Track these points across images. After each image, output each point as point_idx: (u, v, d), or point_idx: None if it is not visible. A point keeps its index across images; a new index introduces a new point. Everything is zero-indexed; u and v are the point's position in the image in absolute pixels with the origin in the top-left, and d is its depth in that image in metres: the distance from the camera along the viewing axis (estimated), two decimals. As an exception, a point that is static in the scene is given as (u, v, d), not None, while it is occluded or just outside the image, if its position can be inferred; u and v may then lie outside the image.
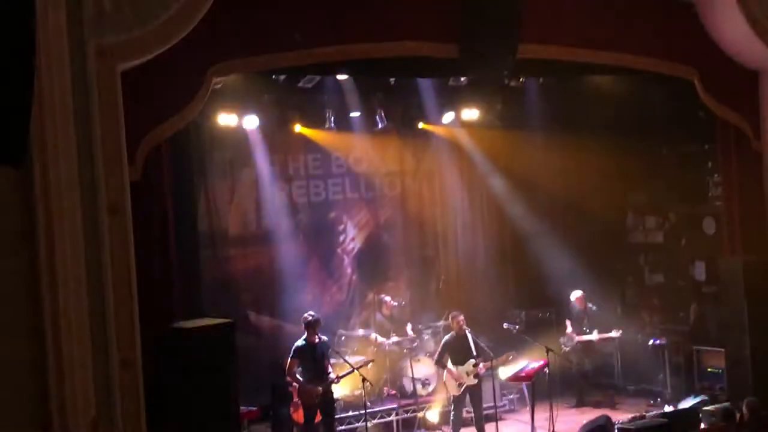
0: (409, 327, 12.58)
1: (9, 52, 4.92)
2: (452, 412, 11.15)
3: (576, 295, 12.94)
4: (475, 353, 10.92)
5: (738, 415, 9.50)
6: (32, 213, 7.33)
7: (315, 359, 10.29)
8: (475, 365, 10.90)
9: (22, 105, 5.08)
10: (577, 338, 12.68)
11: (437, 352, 11.33)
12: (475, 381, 10.97)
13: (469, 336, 10.97)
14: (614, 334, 12.66)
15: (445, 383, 11.22)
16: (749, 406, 9.31)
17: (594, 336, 12.68)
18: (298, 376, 10.33)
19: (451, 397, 11.17)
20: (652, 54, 10.92)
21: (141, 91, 8.17)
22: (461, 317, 11.08)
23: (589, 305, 12.91)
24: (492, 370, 11.28)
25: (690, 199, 13.75)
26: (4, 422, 7.21)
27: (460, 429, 11.13)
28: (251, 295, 12.71)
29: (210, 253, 12.27)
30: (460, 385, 10.96)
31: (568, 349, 12.58)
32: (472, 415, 11.19)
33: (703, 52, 11.14)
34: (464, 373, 10.95)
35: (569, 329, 12.72)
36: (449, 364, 11.04)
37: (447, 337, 11.30)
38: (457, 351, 11.01)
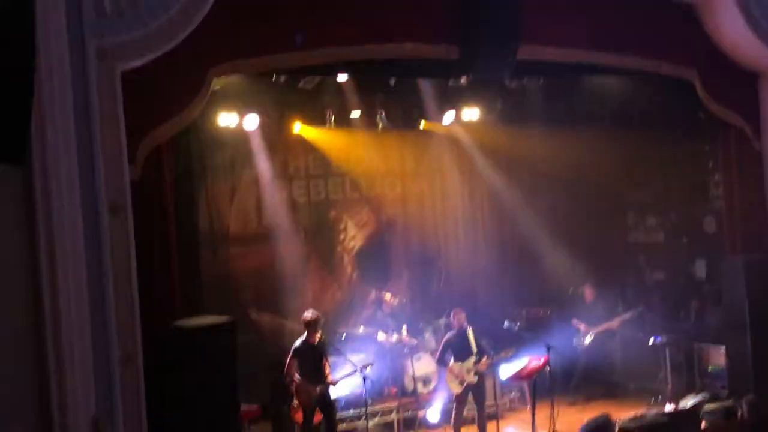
0: (404, 329, 12.48)
1: (9, 52, 4.95)
2: (454, 410, 11.12)
3: (587, 287, 13.27)
4: (476, 350, 10.92)
5: (739, 414, 9.49)
6: (32, 213, 7.35)
7: (314, 360, 10.24)
8: (477, 362, 10.89)
9: (22, 105, 5.11)
10: (595, 330, 12.88)
11: (439, 351, 11.27)
12: (476, 378, 10.94)
13: (470, 333, 10.98)
14: (629, 315, 12.98)
15: (446, 381, 11.19)
16: (750, 404, 9.29)
17: (614, 322, 13.00)
18: (296, 376, 10.28)
19: (453, 396, 11.15)
20: (653, 55, 10.93)
21: (141, 92, 8.17)
22: (463, 314, 11.06)
23: None
24: (494, 367, 11.27)
25: (690, 198, 13.75)
26: (5, 421, 7.22)
27: (460, 428, 11.11)
28: (252, 293, 12.71)
29: (210, 252, 12.32)
30: (461, 382, 10.93)
31: (590, 340, 12.76)
32: (474, 413, 11.15)
33: (703, 53, 11.15)
34: (465, 370, 10.93)
35: (581, 325, 12.82)
36: (451, 362, 11.01)
37: (448, 334, 11.25)
38: (459, 348, 10.98)
